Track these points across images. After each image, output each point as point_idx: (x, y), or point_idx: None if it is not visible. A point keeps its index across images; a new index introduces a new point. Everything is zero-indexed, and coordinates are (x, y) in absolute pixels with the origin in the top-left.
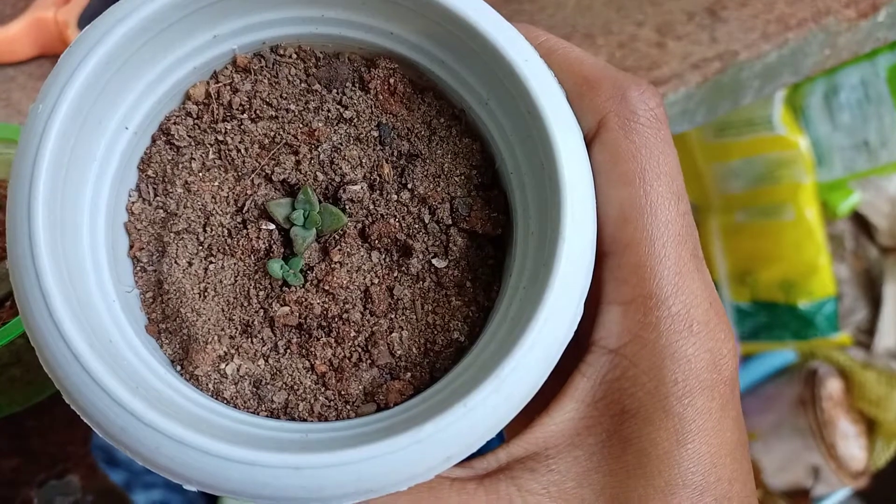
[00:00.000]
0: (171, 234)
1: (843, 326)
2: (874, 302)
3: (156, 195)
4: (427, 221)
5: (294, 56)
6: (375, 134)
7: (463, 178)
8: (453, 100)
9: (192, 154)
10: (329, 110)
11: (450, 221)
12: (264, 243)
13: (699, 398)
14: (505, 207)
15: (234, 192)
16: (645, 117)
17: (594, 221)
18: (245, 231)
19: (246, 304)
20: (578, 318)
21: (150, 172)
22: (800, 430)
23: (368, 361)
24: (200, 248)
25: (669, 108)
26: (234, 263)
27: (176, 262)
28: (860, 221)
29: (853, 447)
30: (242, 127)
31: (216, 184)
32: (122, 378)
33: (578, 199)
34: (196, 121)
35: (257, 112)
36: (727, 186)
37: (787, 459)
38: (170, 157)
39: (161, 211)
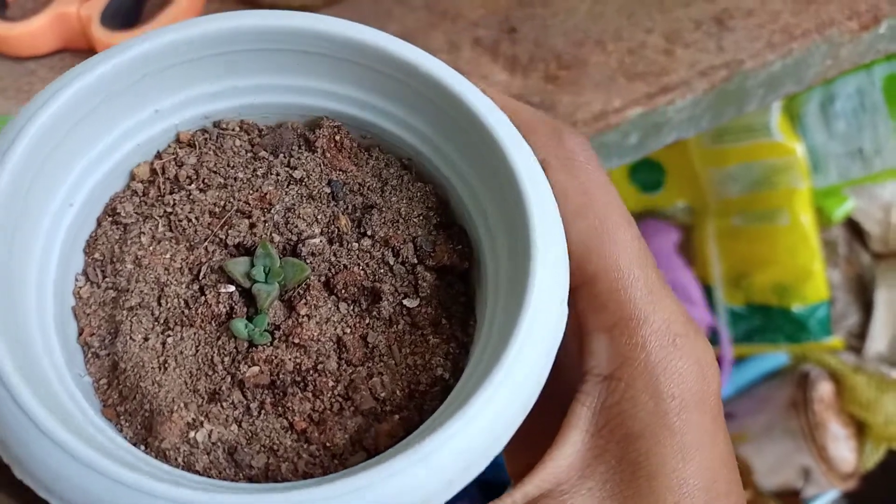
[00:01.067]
0: (124, 312)
1: (835, 331)
2: (866, 307)
3: (104, 276)
4: (392, 263)
5: (237, 129)
6: (327, 190)
7: (421, 218)
8: (401, 150)
9: (140, 229)
10: (278, 173)
11: (415, 260)
12: (225, 307)
13: (694, 412)
14: (467, 241)
15: (187, 262)
16: (583, 157)
17: (563, 241)
18: (203, 298)
19: (211, 372)
20: (563, 322)
21: (96, 255)
22: (791, 431)
23: (352, 409)
24: (156, 322)
25: (677, 115)
26: (195, 333)
27: (131, 338)
28: (853, 228)
29: (843, 449)
30: (191, 197)
31: (168, 256)
32: (90, 444)
33: (547, 217)
34: (142, 197)
35: (205, 181)
36: (724, 191)
37: (779, 461)
38: (117, 237)
39: (111, 291)
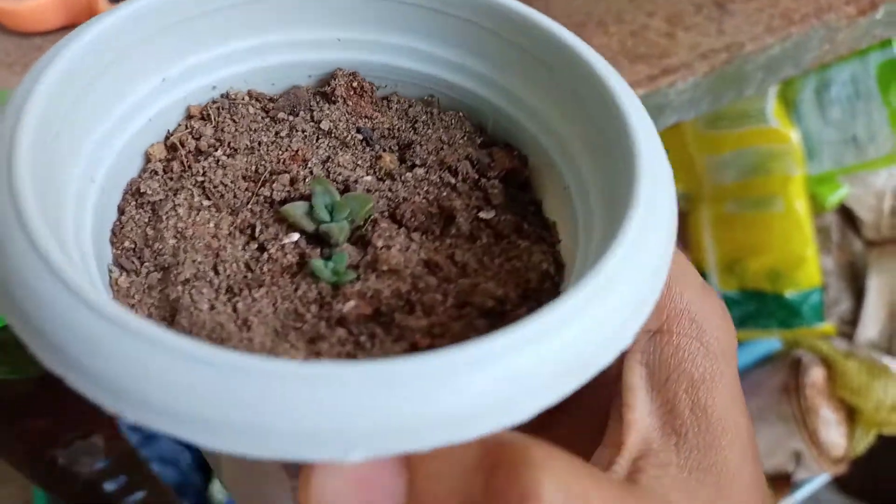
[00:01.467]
0: (179, 287)
1: (827, 317)
2: (858, 294)
3: (143, 262)
4: (454, 182)
5: (247, 98)
6: (359, 137)
7: (465, 140)
8: (421, 89)
9: (173, 203)
10: (304, 129)
11: (476, 175)
12: (293, 257)
13: (731, 361)
14: (520, 152)
15: (236, 226)
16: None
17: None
18: (266, 254)
19: (300, 323)
20: (676, 220)
21: (126, 244)
22: (783, 416)
23: (474, 314)
24: (219, 291)
25: (678, 97)
26: (267, 292)
27: (196, 307)
28: (846, 215)
29: (834, 434)
30: (221, 163)
31: (212, 224)
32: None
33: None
34: (166, 175)
35: (231, 146)
36: (719, 177)
37: (771, 444)
38: (147, 219)
39: (156, 272)
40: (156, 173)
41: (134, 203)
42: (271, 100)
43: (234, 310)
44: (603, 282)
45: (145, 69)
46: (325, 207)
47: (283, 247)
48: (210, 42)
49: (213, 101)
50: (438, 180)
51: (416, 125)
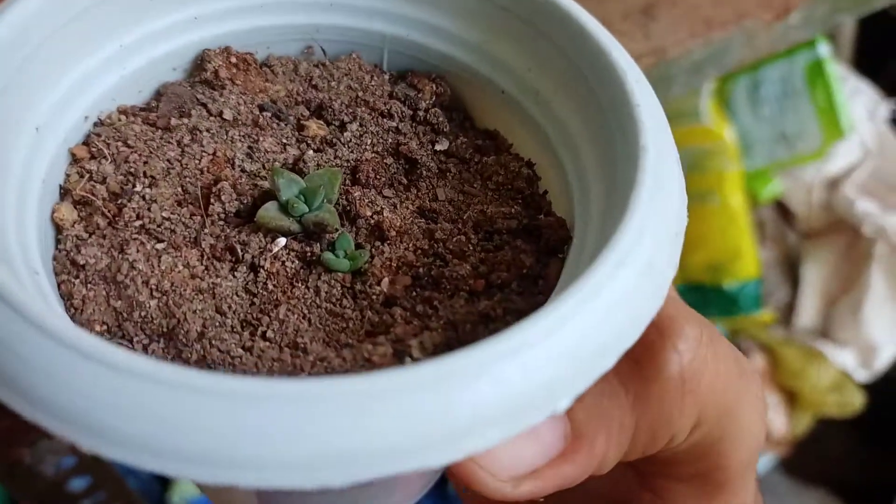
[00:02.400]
0: (196, 346)
1: (765, 305)
2: (794, 283)
3: (131, 339)
4: (395, 125)
5: (123, 117)
6: (268, 115)
7: (375, 79)
8: (296, 42)
9: (127, 260)
10: (207, 128)
11: (411, 111)
12: (293, 262)
13: None
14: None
15: (207, 258)
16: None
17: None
18: (262, 272)
19: (344, 323)
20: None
21: (98, 329)
22: None
23: (505, 238)
24: (239, 331)
25: None
26: (289, 308)
27: (231, 357)
28: (781, 209)
29: (775, 417)
30: (148, 197)
31: (182, 265)
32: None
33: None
34: (95, 235)
35: (146, 175)
36: None
37: None
38: (105, 292)
39: (157, 342)
40: (82, 238)
41: (78, 280)
42: (148, 109)
43: (270, 340)
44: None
45: (18, 125)
46: (298, 198)
47: (275, 257)
48: (64, 68)
49: (93, 134)
50: (378, 129)
51: (313, 82)
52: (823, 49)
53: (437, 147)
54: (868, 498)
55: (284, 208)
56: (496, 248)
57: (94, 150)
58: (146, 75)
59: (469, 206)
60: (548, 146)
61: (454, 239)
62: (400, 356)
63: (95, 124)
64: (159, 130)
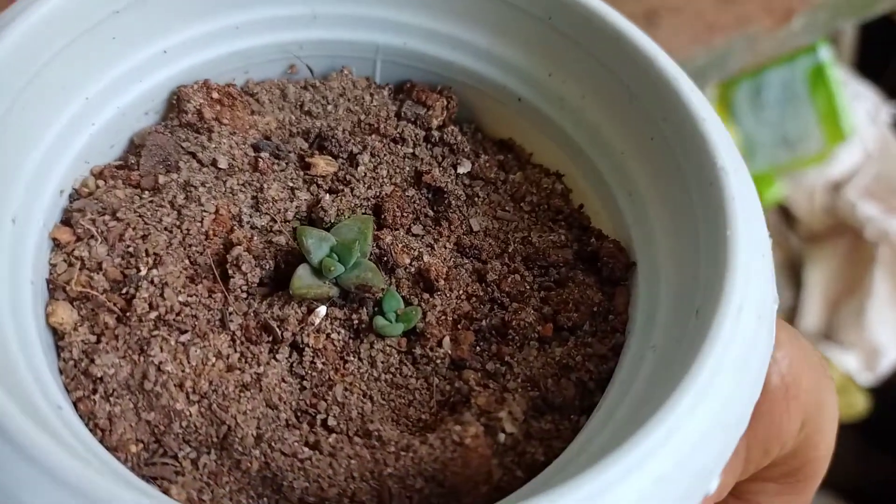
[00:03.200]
0: (254, 452)
1: None
2: (797, 286)
3: (176, 455)
4: (411, 151)
5: (103, 183)
6: (266, 155)
7: (374, 97)
8: (276, 63)
9: (154, 363)
10: (202, 181)
11: (421, 130)
12: (339, 333)
13: None
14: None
15: (241, 343)
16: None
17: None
18: (308, 349)
19: (410, 395)
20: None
21: (134, 449)
22: None
23: (560, 270)
24: (296, 425)
25: None
26: (345, 389)
27: (299, 461)
28: (784, 213)
29: None
30: (157, 280)
31: (214, 357)
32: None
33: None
34: (105, 338)
35: (148, 253)
36: None
37: None
38: (133, 403)
39: (207, 454)
40: (91, 344)
41: (98, 395)
42: (127, 166)
43: (334, 430)
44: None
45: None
46: (331, 257)
47: (318, 330)
48: (30, 141)
49: (73, 211)
50: (392, 157)
51: (306, 108)
52: (825, 54)
53: (460, 170)
54: (872, 501)
55: (318, 271)
56: (557, 283)
57: (78, 230)
58: (116, 126)
59: (510, 236)
60: (579, 154)
61: (508, 279)
62: (492, 433)
63: (72, 197)
64: (146, 192)
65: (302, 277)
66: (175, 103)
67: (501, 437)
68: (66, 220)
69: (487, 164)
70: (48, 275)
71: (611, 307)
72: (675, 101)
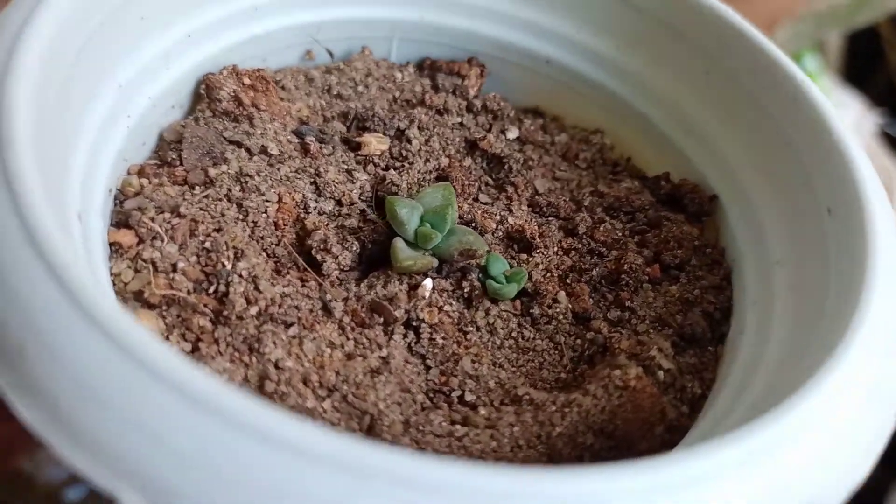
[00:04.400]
0: (400, 445)
1: None
2: None
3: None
4: (460, 121)
5: (147, 182)
6: (312, 139)
7: (403, 72)
8: (295, 46)
9: (261, 361)
10: (258, 170)
11: (464, 101)
12: (452, 304)
13: None
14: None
15: (353, 330)
16: None
17: None
18: (427, 327)
19: (540, 358)
20: None
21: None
22: None
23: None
24: (442, 410)
25: None
26: (477, 355)
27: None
28: None
29: None
30: (245, 275)
31: (329, 351)
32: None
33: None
34: (202, 345)
35: (229, 246)
36: None
37: None
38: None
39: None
40: (191, 354)
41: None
42: (167, 163)
43: (477, 405)
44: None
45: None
46: (425, 226)
47: (429, 305)
48: (73, 135)
49: (126, 212)
50: (442, 129)
51: (334, 91)
52: (811, 63)
53: (509, 136)
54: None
55: (413, 243)
56: (649, 226)
57: (141, 231)
58: (148, 120)
59: (578, 192)
60: (622, 107)
61: (600, 229)
62: (651, 372)
63: (117, 199)
64: (197, 187)
65: (403, 250)
66: (204, 92)
67: (661, 374)
68: (122, 222)
69: (533, 128)
70: (112, 285)
71: (705, 240)
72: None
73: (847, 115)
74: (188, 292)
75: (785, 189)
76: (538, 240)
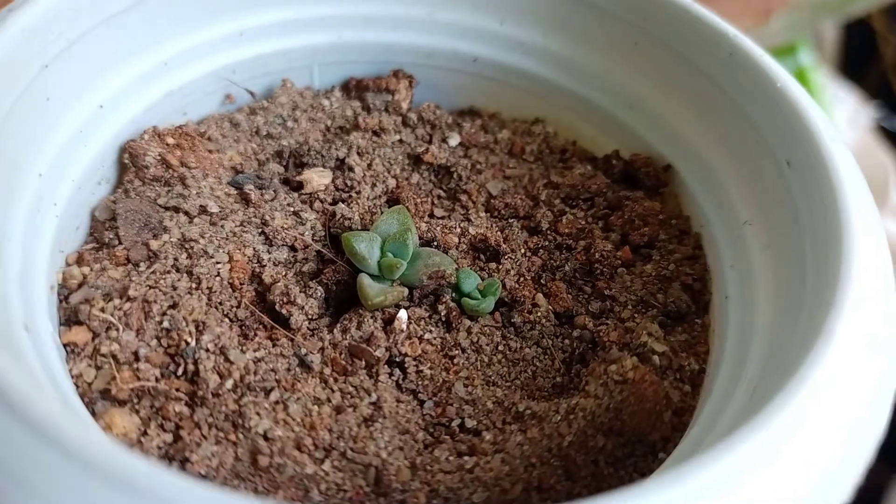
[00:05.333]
0: (413, 492)
1: None
2: None
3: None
4: (396, 136)
5: (98, 266)
6: (251, 186)
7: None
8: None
9: (260, 442)
10: (201, 233)
11: (400, 116)
12: (431, 330)
13: None
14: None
15: (335, 380)
16: None
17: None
18: (411, 361)
19: (532, 367)
20: None
21: None
22: None
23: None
24: (446, 445)
25: None
26: (469, 378)
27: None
28: None
29: None
30: (213, 350)
31: (316, 409)
32: None
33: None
34: (183, 433)
35: (191, 321)
36: None
37: None
38: (254, 488)
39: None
40: (174, 444)
41: None
42: (104, 244)
43: (479, 431)
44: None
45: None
46: (388, 256)
47: (409, 337)
48: (4, 240)
49: (73, 307)
50: (383, 150)
51: (263, 132)
52: (807, 57)
53: (451, 143)
54: None
55: (379, 275)
56: (610, 208)
57: (93, 325)
58: (75, 204)
59: (534, 186)
60: (556, 93)
61: (563, 221)
62: (645, 359)
63: (61, 295)
64: (142, 264)
65: (370, 286)
66: (129, 161)
67: (656, 359)
68: (72, 319)
69: (473, 131)
70: (75, 389)
71: (669, 212)
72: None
73: (843, 109)
74: (156, 380)
75: (739, 148)
76: (504, 245)
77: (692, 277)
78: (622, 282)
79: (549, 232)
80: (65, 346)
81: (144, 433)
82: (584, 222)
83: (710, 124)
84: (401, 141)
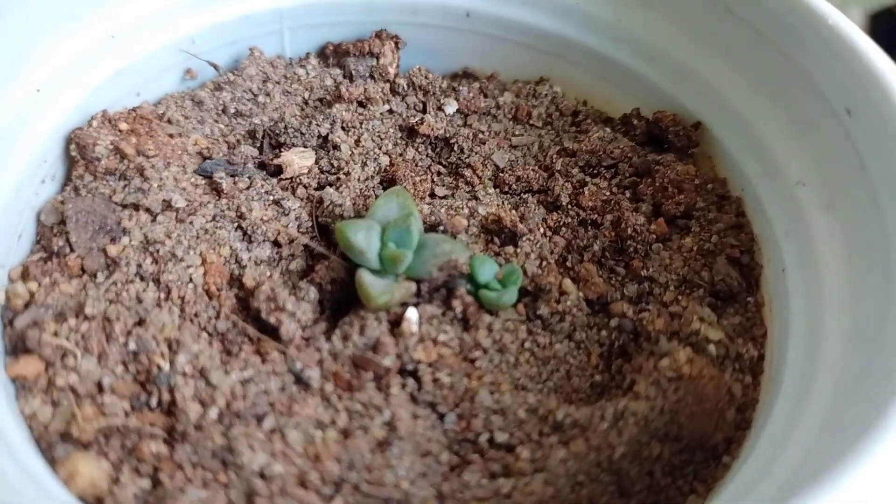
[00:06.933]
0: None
1: None
2: None
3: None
4: (386, 106)
5: (33, 290)
6: (218, 176)
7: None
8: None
9: (241, 476)
10: (168, 233)
11: (388, 83)
12: (447, 331)
13: None
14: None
15: (339, 398)
16: None
17: None
18: (426, 368)
19: (564, 366)
20: None
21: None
22: None
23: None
24: (478, 465)
25: None
26: (494, 383)
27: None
28: None
29: None
30: (191, 374)
31: (319, 434)
32: None
33: None
34: (164, 476)
35: (164, 340)
36: None
37: None
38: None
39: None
40: (153, 492)
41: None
42: (54, 255)
43: (511, 445)
44: None
45: None
46: (389, 247)
47: (421, 340)
48: None
49: (20, 332)
50: (372, 123)
51: (232, 110)
52: None
53: (448, 110)
54: None
55: (380, 270)
56: (638, 175)
57: (45, 352)
58: (16, 208)
59: (545, 155)
60: (564, 48)
61: (585, 193)
62: (700, 350)
63: (5, 318)
64: (100, 274)
65: (371, 284)
66: (76, 153)
67: (712, 348)
68: (19, 347)
69: (471, 95)
70: (29, 432)
71: (704, 176)
72: None
73: None
74: (126, 414)
75: (782, 98)
76: (520, 225)
77: (739, 249)
78: (660, 259)
79: (570, 206)
80: (12, 380)
81: (116, 481)
82: (608, 193)
83: (746, 73)
84: (391, 111)
